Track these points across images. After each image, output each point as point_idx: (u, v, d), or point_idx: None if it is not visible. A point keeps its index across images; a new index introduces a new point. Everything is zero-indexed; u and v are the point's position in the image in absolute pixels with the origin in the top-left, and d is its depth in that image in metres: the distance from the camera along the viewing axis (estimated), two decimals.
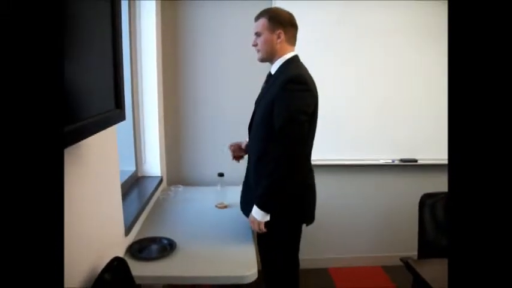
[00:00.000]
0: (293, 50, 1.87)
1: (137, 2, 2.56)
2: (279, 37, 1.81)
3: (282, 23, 1.81)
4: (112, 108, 1.18)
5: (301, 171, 1.83)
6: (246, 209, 1.96)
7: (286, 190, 1.76)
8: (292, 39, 1.85)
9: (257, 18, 1.85)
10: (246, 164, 2.05)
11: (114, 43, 1.14)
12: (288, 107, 1.71)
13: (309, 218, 1.94)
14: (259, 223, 1.78)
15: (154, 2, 2.60)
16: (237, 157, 2.19)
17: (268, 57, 1.86)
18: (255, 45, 1.87)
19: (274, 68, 1.87)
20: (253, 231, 2.00)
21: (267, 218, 1.78)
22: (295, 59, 1.84)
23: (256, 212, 1.78)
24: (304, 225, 1.95)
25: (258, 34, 1.84)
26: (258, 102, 1.96)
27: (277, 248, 1.91)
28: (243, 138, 2.08)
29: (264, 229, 1.79)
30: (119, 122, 1.24)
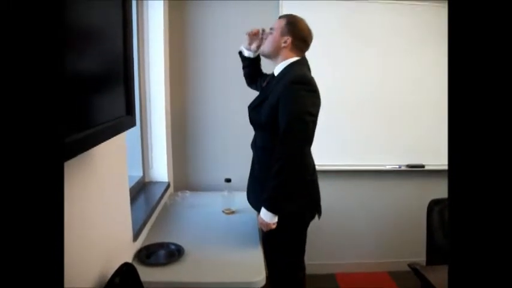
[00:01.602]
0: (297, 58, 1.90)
1: (145, 2, 2.57)
2: (285, 42, 1.86)
3: (294, 33, 1.86)
4: (123, 115, 1.18)
5: (305, 169, 1.86)
6: (251, 200, 2.02)
7: (292, 190, 1.78)
8: (297, 51, 1.89)
9: (281, 16, 1.94)
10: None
11: (125, 48, 1.14)
12: (293, 107, 1.73)
13: (317, 212, 1.96)
14: (267, 224, 1.80)
15: (162, 2, 2.61)
16: (253, 39, 2.12)
17: (270, 54, 1.93)
18: (266, 37, 1.95)
19: (277, 70, 1.91)
20: (260, 236, 2.00)
21: (276, 219, 1.79)
22: (300, 62, 1.88)
23: (265, 214, 1.79)
24: (310, 231, 1.96)
25: (272, 29, 1.92)
26: (257, 101, 1.98)
27: (283, 249, 1.91)
28: (250, 142, 2.09)
29: (273, 226, 1.81)
30: (129, 128, 1.24)
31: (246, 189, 2.12)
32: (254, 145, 2.02)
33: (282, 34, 1.86)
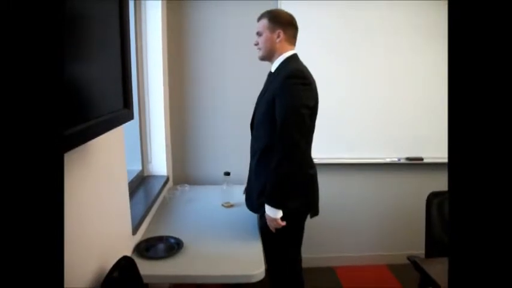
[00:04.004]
0: (293, 49, 1.92)
1: (143, 1, 2.57)
2: (278, 36, 1.87)
3: (281, 23, 1.87)
4: (120, 108, 1.18)
5: (304, 162, 1.87)
6: (250, 205, 2.03)
7: (291, 182, 1.79)
8: (291, 39, 1.91)
9: (259, 19, 1.93)
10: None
11: (122, 42, 1.14)
12: (289, 101, 1.75)
13: (313, 209, 1.96)
14: (274, 220, 1.80)
15: (159, 1, 2.60)
16: None
17: (268, 55, 1.92)
18: (256, 44, 1.94)
19: (274, 66, 1.92)
20: (259, 230, 2.00)
21: (280, 213, 1.79)
22: (294, 57, 1.90)
23: (269, 210, 1.80)
24: (310, 224, 1.96)
25: (259, 34, 1.92)
26: (259, 100, 2.00)
27: (281, 241, 1.91)
28: (249, 136, 2.09)
29: (282, 223, 1.80)
30: (127, 121, 1.24)
31: (244, 183, 2.13)
32: (252, 149, 2.01)
33: (272, 31, 1.87)
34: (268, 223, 1.84)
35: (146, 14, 2.59)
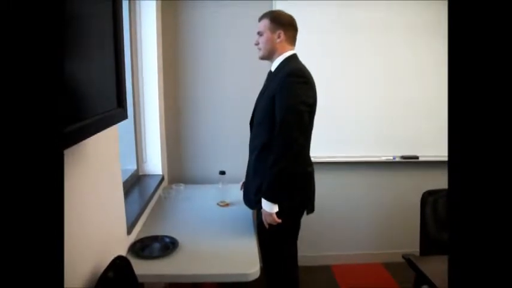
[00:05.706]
0: (292, 49, 1.95)
1: (137, 1, 2.56)
2: (279, 37, 1.90)
3: (282, 24, 1.90)
4: (114, 107, 1.17)
5: (302, 159, 1.89)
6: (247, 201, 2.04)
7: (289, 178, 1.80)
8: (291, 40, 1.94)
9: (260, 19, 1.96)
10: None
11: (115, 42, 1.14)
12: (288, 98, 1.77)
13: (309, 206, 1.98)
14: (270, 215, 1.81)
15: (154, 1, 2.59)
16: None
17: (268, 55, 1.95)
18: (256, 43, 1.97)
19: (274, 66, 1.95)
20: (255, 228, 2.00)
21: (276, 208, 1.81)
22: (293, 57, 1.93)
23: (265, 204, 1.82)
24: (306, 222, 1.96)
25: (260, 33, 1.95)
26: (259, 98, 2.01)
27: (277, 237, 1.92)
28: (244, 136, 2.09)
29: (277, 220, 1.82)
30: (121, 121, 1.24)
31: (240, 181, 2.13)
32: (251, 146, 2.02)
33: (273, 31, 1.90)
34: (263, 218, 1.86)
35: (141, 14, 2.58)
